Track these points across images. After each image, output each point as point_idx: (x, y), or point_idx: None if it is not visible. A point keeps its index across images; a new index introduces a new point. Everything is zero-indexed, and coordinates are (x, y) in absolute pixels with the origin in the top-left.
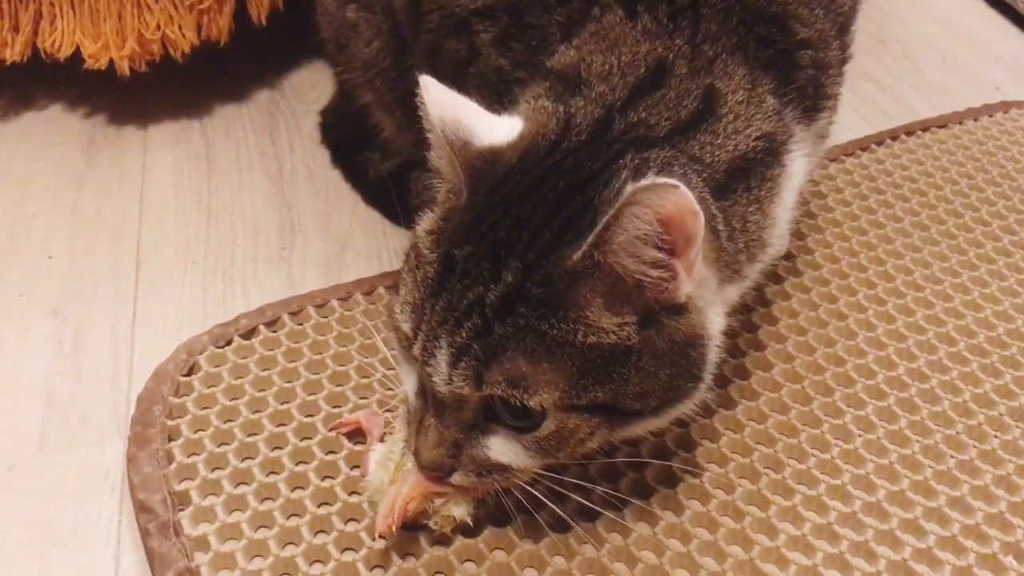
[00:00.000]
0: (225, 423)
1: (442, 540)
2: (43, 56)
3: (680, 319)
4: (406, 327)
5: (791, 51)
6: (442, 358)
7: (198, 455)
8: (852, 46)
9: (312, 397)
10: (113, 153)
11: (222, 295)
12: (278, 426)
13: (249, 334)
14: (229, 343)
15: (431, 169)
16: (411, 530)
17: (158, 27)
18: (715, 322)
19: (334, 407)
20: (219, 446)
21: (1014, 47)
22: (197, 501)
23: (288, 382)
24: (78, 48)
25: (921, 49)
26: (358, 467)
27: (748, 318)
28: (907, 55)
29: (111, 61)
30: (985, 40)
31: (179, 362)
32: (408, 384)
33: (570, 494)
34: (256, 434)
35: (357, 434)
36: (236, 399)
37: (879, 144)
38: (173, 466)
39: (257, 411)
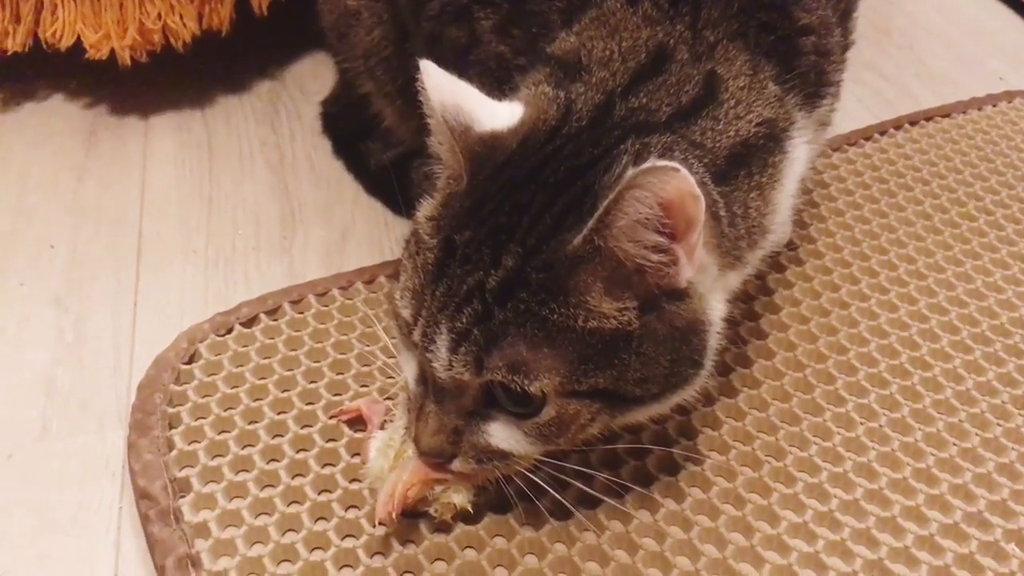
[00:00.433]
0: (226, 411)
1: (442, 527)
2: (44, 46)
3: (681, 304)
4: (406, 313)
5: (793, 37)
6: (442, 344)
7: (199, 442)
8: (854, 33)
9: (313, 385)
10: (114, 143)
11: (223, 284)
12: (279, 414)
13: (250, 322)
14: (230, 331)
15: (432, 155)
16: (411, 517)
17: (159, 17)
18: (716, 308)
19: (335, 395)
20: (220, 433)
21: (1017, 37)
22: (198, 488)
23: (289, 370)
24: (79, 38)
25: (925, 39)
26: (358, 455)
27: (750, 306)
28: (911, 45)
29: (112, 51)
30: (989, 30)
31: (180, 350)
32: (408, 371)
33: (571, 481)
34: (257, 421)
35: (358, 422)
36: (237, 387)
37: (882, 133)
38: (174, 453)
39: (258, 399)
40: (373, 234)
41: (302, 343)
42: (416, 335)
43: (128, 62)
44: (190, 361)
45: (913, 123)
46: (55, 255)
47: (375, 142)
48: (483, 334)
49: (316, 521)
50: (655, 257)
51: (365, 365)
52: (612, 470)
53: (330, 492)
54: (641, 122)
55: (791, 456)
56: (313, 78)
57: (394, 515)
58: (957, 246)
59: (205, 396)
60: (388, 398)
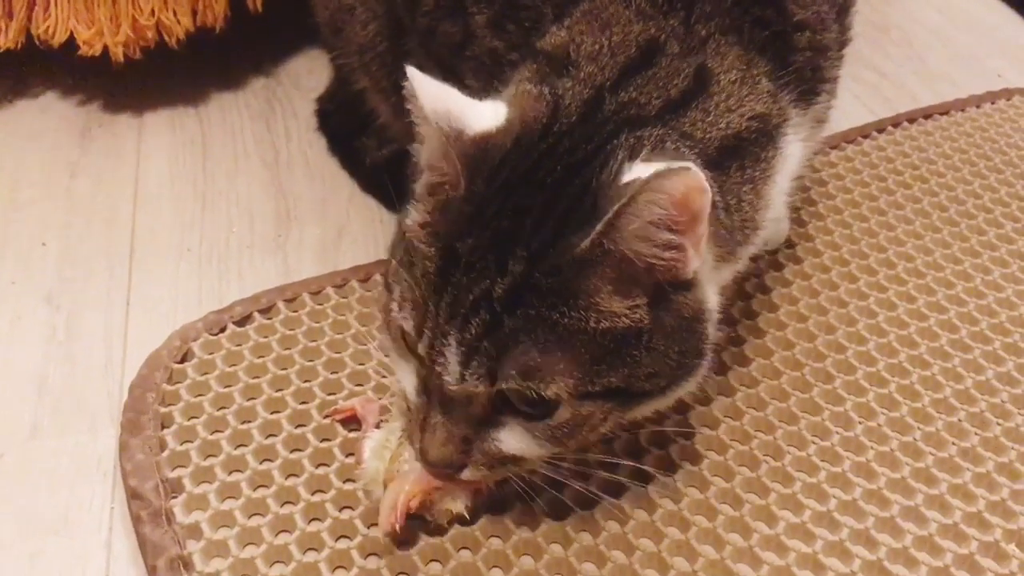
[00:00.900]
0: (219, 410)
1: (438, 529)
2: (37, 43)
3: (688, 294)
4: (407, 326)
5: (787, 33)
6: (452, 356)
7: (191, 442)
8: (852, 29)
9: (307, 384)
10: (108, 140)
11: (217, 282)
12: (272, 413)
13: (243, 321)
14: (223, 330)
15: (415, 162)
16: (408, 520)
17: (153, 13)
18: (713, 298)
19: (329, 394)
20: (212, 433)
21: (1016, 34)
22: (190, 488)
23: (283, 369)
24: (72, 35)
25: (923, 36)
26: (352, 455)
27: (748, 305)
28: (909, 42)
29: (105, 48)
30: (987, 27)
31: (173, 349)
32: (406, 381)
33: (568, 481)
34: (250, 421)
35: (352, 421)
36: (230, 386)
37: (880, 131)
38: (166, 453)
39: (251, 398)
40: (368, 232)
41: (296, 342)
42: (422, 348)
43: (121, 59)
44: (183, 360)
45: (912, 121)
46: (47, 253)
47: (370, 139)
48: (494, 344)
49: (310, 522)
50: (667, 254)
51: (360, 364)
52: (609, 470)
53: (324, 492)
54: (632, 116)
55: (789, 456)
56: (308, 75)
57: (397, 526)
58: (956, 244)
59: (198, 395)
60: (383, 398)
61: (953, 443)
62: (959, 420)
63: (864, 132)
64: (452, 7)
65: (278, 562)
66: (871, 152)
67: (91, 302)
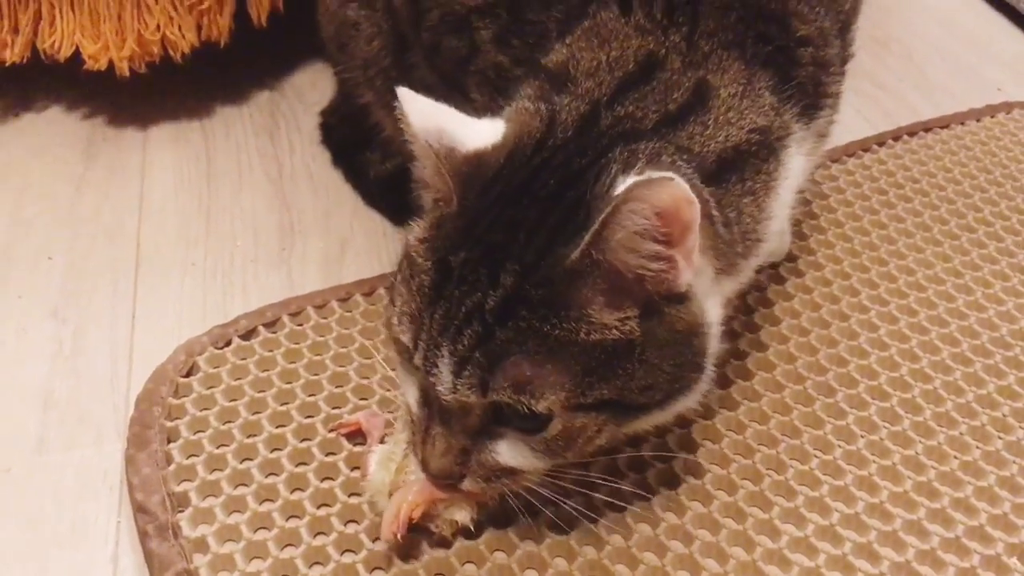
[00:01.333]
0: (224, 424)
1: (442, 542)
2: (43, 57)
3: (681, 308)
4: (405, 338)
5: (791, 48)
6: (445, 367)
7: (197, 456)
8: (854, 44)
9: (312, 398)
10: (113, 154)
11: (221, 296)
12: (277, 427)
13: (248, 335)
14: (228, 344)
15: (416, 180)
16: (413, 532)
17: (158, 28)
18: (713, 312)
19: (334, 408)
20: (218, 447)
21: (1016, 48)
22: (196, 502)
23: (287, 383)
24: (78, 49)
25: (923, 49)
26: (358, 468)
27: (751, 318)
28: (909, 55)
29: (111, 62)
30: (987, 41)
31: (178, 363)
32: (409, 394)
33: (570, 498)
34: (255, 435)
35: (357, 435)
36: (235, 400)
37: (881, 144)
38: (172, 467)
39: (256, 412)
40: (372, 245)
41: (301, 356)
42: (417, 359)
43: (127, 73)
44: (188, 374)
45: (912, 134)
46: (53, 267)
47: (374, 153)
48: (485, 355)
49: (315, 536)
50: (655, 265)
51: (364, 378)
52: (612, 484)
53: (329, 506)
54: (628, 130)
55: (792, 469)
56: (312, 89)
57: (399, 536)
58: (956, 258)
59: (203, 409)
60: (388, 411)
61: (955, 457)
62: (961, 434)
63: (865, 145)
64: (457, 22)
65: (284, 575)
66: (872, 165)
67: (97, 316)
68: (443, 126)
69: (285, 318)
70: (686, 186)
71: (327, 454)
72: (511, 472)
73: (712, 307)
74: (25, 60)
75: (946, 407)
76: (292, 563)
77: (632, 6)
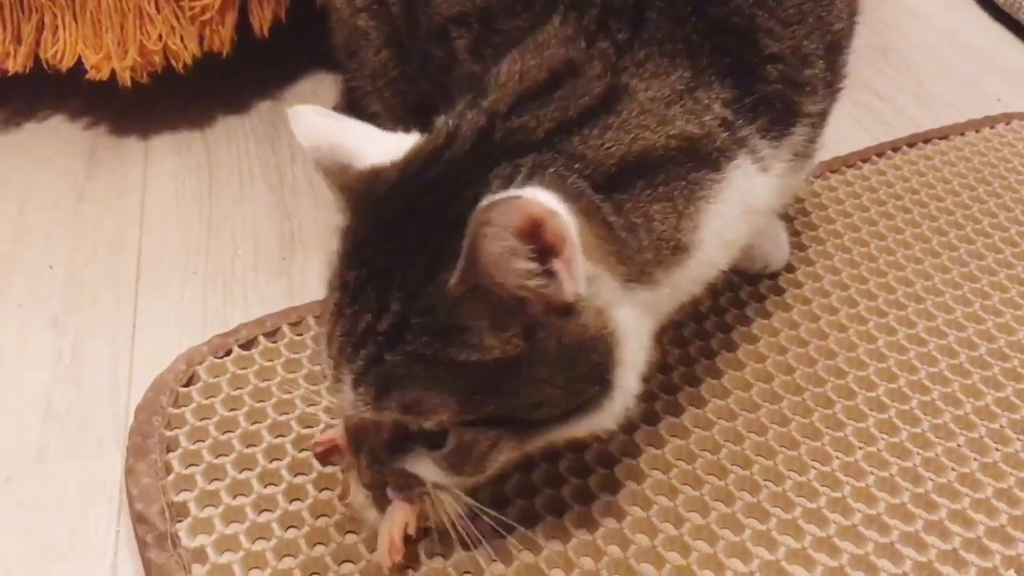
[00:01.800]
0: (224, 434)
1: (440, 552)
2: (45, 67)
3: (568, 320)
4: (323, 353)
5: (756, 64)
6: (346, 384)
7: (196, 466)
8: (846, 67)
9: (311, 408)
10: (114, 163)
11: (222, 305)
12: (277, 438)
13: (248, 344)
14: (228, 354)
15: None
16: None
17: (160, 38)
18: (625, 323)
19: (333, 418)
20: (217, 457)
21: (1016, 59)
22: (195, 512)
23: (287, 393)
24: (80, 59)
25: (923, 60)
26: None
27: (749, 329)
28: (909, 66)
29: (113, 72)
30: (987, 52)
31: (178, 373)
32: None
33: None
34: (255, 445)
35: (334, 452)
36: (235, 410)
37: (880, 155)
38: (171, 477)
39: (256, 422)
40: None
41: (301, 366)
42: (328, 376)
43: (129, 83)
44: (188, 383)
45: (911, 145)
46: (54, 276)
47: None
48: (376, 376)
49: (313, 547)
50: (532, 282)
51: None
52: (611, 495)
53: (328, 517)
54: (518, 142)
55: (790, 481)
56: (314, 98)
57: (400, 557)
58: (955, 269)
59: (203, 419)
60: None
61: (953, 469)
62: (958, 446)
63: (864, 156)
64: (438, 32)
65: None
66: (871, 176)
67: (97, 326)
68: (339, 142)
69: (285, 328)
70: (541, 198)
71: (326, 464)
72: (422, 483)
73: (625, 317)
74: (27, 70)
75: (944, 419)
76: (290, 573)
77: (568, 16)
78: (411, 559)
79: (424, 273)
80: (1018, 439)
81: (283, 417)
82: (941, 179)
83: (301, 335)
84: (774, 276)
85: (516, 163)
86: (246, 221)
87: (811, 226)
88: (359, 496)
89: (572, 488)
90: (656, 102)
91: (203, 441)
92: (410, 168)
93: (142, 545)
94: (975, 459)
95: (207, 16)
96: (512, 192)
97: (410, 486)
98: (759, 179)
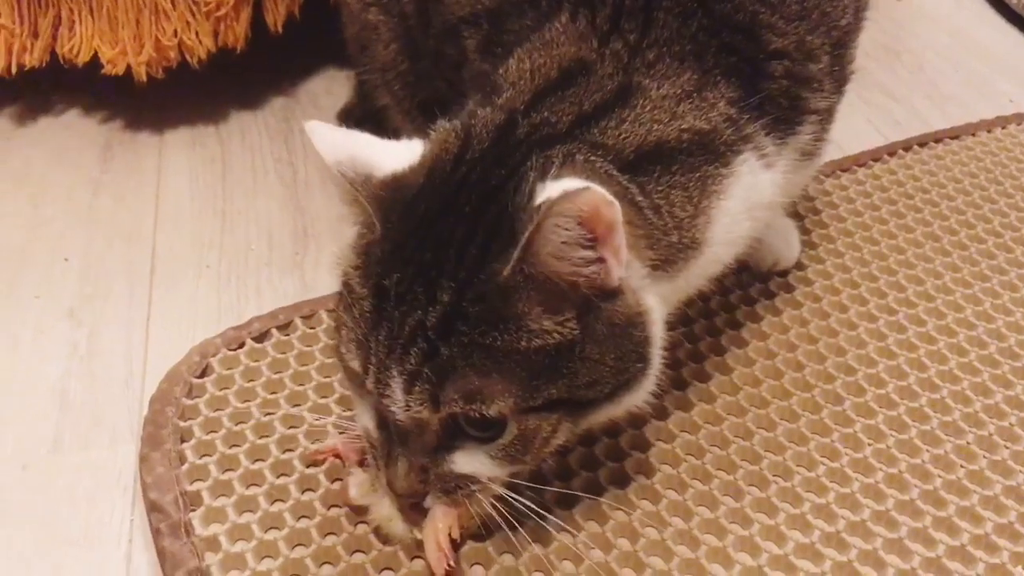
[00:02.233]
0: (237, 425)
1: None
2: (61, 61)
3: (616, 302)
4: (355, 364)
5: (760, 60)
6: (396, 387)
7: (210, 456)
8: (852, 63)
9: (323, 400)
10: (129, 157)
11: (235, 299)
12: (289, 428)
13: (262, 337)
14: (242, 346)
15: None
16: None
17: (175, 34)
18: (652, 304)
19: (346, 410)
20: (231, 448)
21: None
22: (208, 502)
23: (300, 385)
24: (96, 54)
25: (934, 60)
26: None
27: (758, 327)
28: (920, 66)
29: (128, 67)
30: (999, 52)
31: (192, 364)
32: (366, 419)
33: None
34: (267, 436)
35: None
36: (248, 401)
37: (891, 155)
38: (185, 467)
39: (269, 413)
40: None
41: (313, 358)
42: (369, 383)
43: (144, 78)
44: (202, 375)
45: (923, 145)
46: (69, 268)
47: None
48: (433, 370)
49: (325, 536)
50: (586, 269)
51: None
52: (621, 487)
53: (339, 507)
54: (543, 136)
55: (799, 476)
56: (326, 95)
57: (451, 562)
58: (966, 267)
59: (217, 410)
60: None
61: (962, 466)
62: (968, 443)
63: (875, 155)
64: (450, 30)
65: (294, 575)
66: (882, 175)
67: (112, 317)
68: (356, 154)
69: (298, 321)
70: (602, 191)
71: (337, 455)
72: (470, 482)
73: (651, 300)
74: (44, 64)
75: (953, 416)
76: (302, 563)
77: (579, 14)
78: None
79: (473, 264)
80: None
81: (295, 408)
82: (952, 178)
83: (314, 328)
84: (784, 274)
85: (546, 154)
86: (259, 216)
87: (822, 224)
88: (383, 509)
89: (582, 481)
90: (667, 99)
91: (216, 432)
92: (436, 170)
93: (156, 534)
94: (984, 456)
95: (222, 12)
96: (579, 184)
97: (457, 488)
98: (764, 175)
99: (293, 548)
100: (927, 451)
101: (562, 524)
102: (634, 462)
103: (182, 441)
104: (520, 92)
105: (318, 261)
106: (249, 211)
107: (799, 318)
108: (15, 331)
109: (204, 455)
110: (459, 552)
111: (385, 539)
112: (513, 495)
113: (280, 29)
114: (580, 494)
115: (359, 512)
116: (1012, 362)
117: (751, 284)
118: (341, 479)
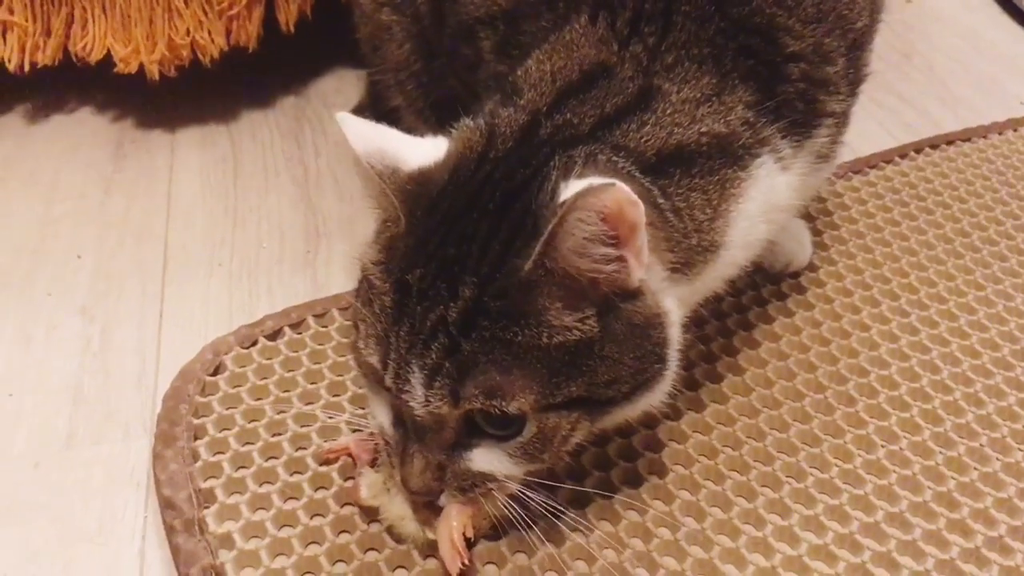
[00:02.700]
0: (250, 422)
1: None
2: (74, 60)
3: (636, 302)
4: (373, 360)
5: (777, 63)
6: (416, 382)
7: (223, 453)
8: (868, 66)
9: (336, 398)
10: (141, 156)
11: (247, 297)
12: (302, 426)
13: (274, 335)
14: (254, 344)
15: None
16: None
17: (188, 32)
18: (670, 307)
19: (358, 408)
20: (244, 445)
21: None
22: (222, 499)
23: (312, 383)
24: (109, 52)
25: (946, 63)
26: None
27: (770, 328)
28: (932, 68)
29: (141, 65)
30: (1010, 55)
31: (205, 362)
32: (382, 416)
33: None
34: (280, 434)
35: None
36: (261, 399)
37: (903, 157)
38: (198, 464)
39: (281, 411)
40: None
41: (325, 356)
42: (388, 379)
43: (156, 76)
44: (215, 373)
45: (934, 147)
46: (82, 266)
47: None
48: (454, 366)
49: (339, 534)
50: (607, 267)
51: None
52: (635, 486)
53: (352, 506)
54: (566, 136)
55: (812, 477)
56: (337, 94)
57: (466, 560)
58: (977, 270)
59: (230, 408)
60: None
61: (975, 468)
62: (981, 445)
63: (886, 158)
64: (466, 31)
65: (308, 572)
66: (893, 178)
67: (125, 315)
68: (384, 147)
69: (310, 319)
70: (627, 189)
71: (349, 455)
72: (487, 480)
73: (669, 302)
74: (57, 62)
75: (966, 418)
76: (316, 560)
77: (599, 17)
78: (432, 546)
79: (495, 260)
80: (1019, 449)
81: (308, 406)
82: (964, 181)
83: (326, 327)
84: (796, 275)
85: (569, 154)
86: (271, 214)
87: (833, 226)
88: (394, 508)
89: (595, 480)
90: (687, 103)
91: (230, 429)
92: (461, 168)
93: (170, 531)
94: (997, 459)
95: (234, 11)
96: (605, 180)
97: (473, 486)
98: (781, 178)
99: (307, 546)
100: (941, 453)
101: (575, 523)
102: (647, 462)
103: (195, 438)
104: (542, 94)
105: (330, 259)
106: (261, 209)
107: (812, 319)
108: (28, 328)
109: (217, 452)
110: (473, 551)
111: (398, 538)
112: (528, 493)
113: (292, 28)
114: (593, 491)
115: (370, 512)
116: (1005, 373)
117: (763, 285)
118: (353, 477)
